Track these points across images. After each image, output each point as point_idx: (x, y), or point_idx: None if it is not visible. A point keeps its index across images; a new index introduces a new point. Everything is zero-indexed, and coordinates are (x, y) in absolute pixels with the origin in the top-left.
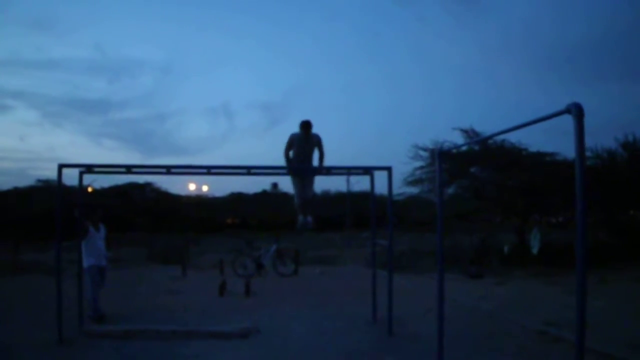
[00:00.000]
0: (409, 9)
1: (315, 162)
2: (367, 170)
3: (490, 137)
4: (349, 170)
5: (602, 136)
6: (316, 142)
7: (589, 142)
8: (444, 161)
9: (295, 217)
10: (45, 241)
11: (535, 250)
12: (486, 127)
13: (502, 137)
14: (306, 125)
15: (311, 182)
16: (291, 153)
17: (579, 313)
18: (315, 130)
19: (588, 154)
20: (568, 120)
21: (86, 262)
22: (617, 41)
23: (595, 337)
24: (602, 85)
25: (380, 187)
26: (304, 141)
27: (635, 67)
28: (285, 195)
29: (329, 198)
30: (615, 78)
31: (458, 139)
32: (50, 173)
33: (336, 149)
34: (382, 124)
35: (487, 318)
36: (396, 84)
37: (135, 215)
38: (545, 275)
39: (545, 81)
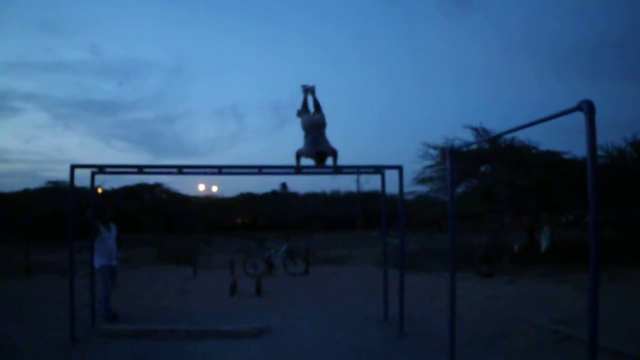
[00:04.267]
0: (403, 9)
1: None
2: (378, 169)
3: (501, 135)
4: (359, 170)
5: (609, 134)
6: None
7: (598, 140)
8: (454, 159)
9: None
10: (56, 242)
11: (543, 248)
12: (492, 125)
13: (511, 135)
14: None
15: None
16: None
17: (592, 311)
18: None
19: (598, 152)
20: (577, 118)
21: (97, 262)
22: (621, 39)
23: (606, 335)
24: (605, 83)
25: (390, 186)
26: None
27: None
28: (294, 195)
29: (338, 198)
30: (620, 76)
31: (468, 137)
32: (61, 175)
33: (344, 148)
34: (389, 122)
35: (498, 317)
36: (402, 83)
37: (145, 216)
38: (555, 274)
39: (548, 79)
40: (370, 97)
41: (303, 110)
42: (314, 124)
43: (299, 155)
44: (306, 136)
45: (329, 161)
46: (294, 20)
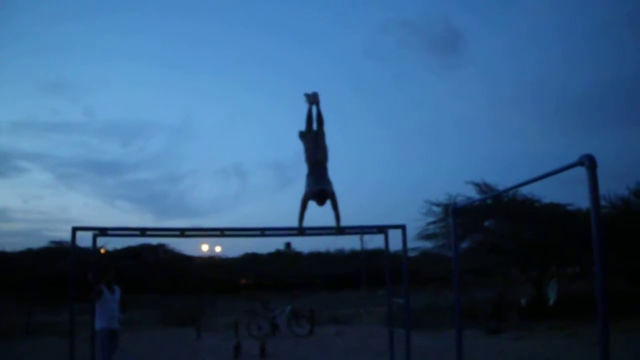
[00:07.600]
0: (399, 64)
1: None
2: (381, 229)
3: (505, 191)
4: (362, 230)
5: (610, 182)
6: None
7: (601, 190)
8: (457, 216)
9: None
10: (58, 302)
11: (551, 302)
12: (494, 177)
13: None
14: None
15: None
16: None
17: None
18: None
19: (601, 202)
20: (576, 168)
21: (97, 325)
22: (624, 86)
23: None
24: (607, 130)
25: (394, 243)
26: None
27: None
28: (298, 254)
29: (343, 256)
30: (622, 124)
31: (470, 192)
32: (64, 234)
33: (345, 204)
34: (391, 177)
35: None
36: (403, 138)
37: (148, 277)
38: (565, 328)
39: (549, 130)
40: (371, 152)
41: (307, 130)
42: (317, 162)
43: (301, 214)
44: (309, 174)
45: (327, 209)
46: (298, 79)
